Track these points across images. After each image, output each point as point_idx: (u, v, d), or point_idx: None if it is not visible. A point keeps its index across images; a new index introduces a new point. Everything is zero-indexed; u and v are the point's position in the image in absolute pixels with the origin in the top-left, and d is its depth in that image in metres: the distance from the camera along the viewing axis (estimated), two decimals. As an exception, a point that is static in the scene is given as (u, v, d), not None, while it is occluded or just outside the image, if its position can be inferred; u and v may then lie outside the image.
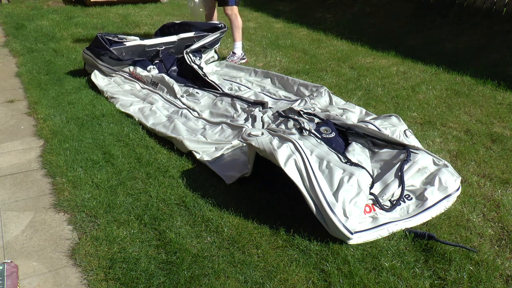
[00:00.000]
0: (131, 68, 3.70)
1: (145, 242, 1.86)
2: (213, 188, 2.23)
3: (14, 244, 1.87)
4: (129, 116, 3.03)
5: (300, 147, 2.01)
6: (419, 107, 3.27)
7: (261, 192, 2.19)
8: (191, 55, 3.85)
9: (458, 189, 2.17)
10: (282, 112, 2.87)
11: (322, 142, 2.26)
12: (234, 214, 2.03)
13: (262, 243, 1.85)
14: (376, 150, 2.43)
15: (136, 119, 2.96)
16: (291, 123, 2.67)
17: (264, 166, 2.19)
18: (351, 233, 1.82)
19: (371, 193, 2.04)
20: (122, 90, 3.45)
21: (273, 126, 2.69)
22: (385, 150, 2.39)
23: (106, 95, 3.35)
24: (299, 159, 1.95)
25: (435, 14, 5.64)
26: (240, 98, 3.18)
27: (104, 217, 2.00)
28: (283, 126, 2.67)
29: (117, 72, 3.71)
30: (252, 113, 2.91)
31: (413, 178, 2.17)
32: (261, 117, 2.86)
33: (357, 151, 2.31)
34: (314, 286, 1.65)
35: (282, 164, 1.92)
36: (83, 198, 2.13)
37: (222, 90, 3.39)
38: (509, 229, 1.97)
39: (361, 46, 4.92)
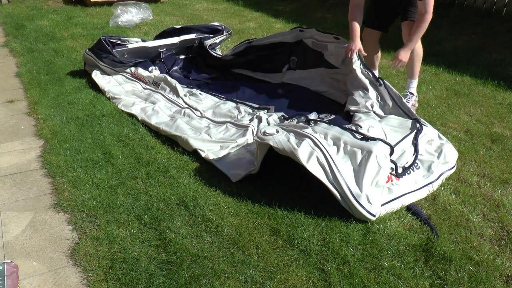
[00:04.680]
0: (133, 69, 3.71)
1: (145, 242, 1.86)
2: (213, 188, 2.23)
3: (14, 244, 1.87)
4: (131, 115, 3.03)
5: (319, 141, 2.05)
6: (419, 107, 3.27)
7: (261, 192, 2.19)
8: (209, 50, 3.99)
9: (454, 166, 2.33)
10: (286, 115, 2.91)
11: (332, 125, 2.33)
12: (234, 214, 2.03)
13: (262, 243, 1.85)
14: (382, 114, 2.54)
15: (140, 119, 2.96)
16: (295, 121, 2.70)
17: (269, 164, 2.22)
18: (374, 216, 1.94)
19: (391, 161, 2.10)
20: (124, 90, 3.45)
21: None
22: (393, 116, 2.49)
23: (108, 95, 3.35)
24: (320, 155, 1.99)
25: (435, 14, 5.62)
26: (245, 104, 3.18)
27: (104, 217, 2.00)
28: None
29: (118, 72, 3.72)
30: (258, 114, 2.91)
31: (422, 148, 2.27)
32: (267, 118, 2.87)
33: (363, 118, 2.41)
34: (314, 286, 1.65)
35: (304, 163, 1.97)
36: (83, 198, 2.13)
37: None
38: (509, 229, 1.97)
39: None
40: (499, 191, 2.23)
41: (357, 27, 2.95)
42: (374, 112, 2.57)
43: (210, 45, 3.99)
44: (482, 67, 4.14)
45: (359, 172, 1.99)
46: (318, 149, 2.01)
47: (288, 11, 6.93)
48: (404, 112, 2.55)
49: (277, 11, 6.87)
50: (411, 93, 3.30)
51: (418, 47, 3.17)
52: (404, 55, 2.94)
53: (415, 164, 2.19)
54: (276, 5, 7.31)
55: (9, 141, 2.72)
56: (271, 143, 2.07)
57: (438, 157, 2.26)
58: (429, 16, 2.82)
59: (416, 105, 3.28)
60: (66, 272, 1.72)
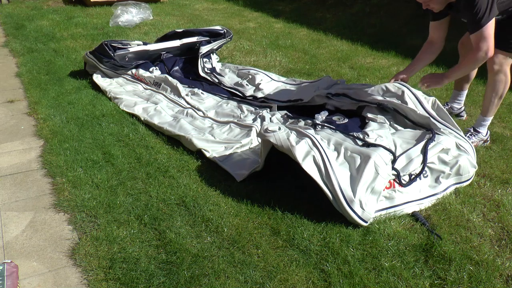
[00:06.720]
0: (134, 70, 3.72)
1: (145, 242, 1.86)
2: (213, 188, 2.23)
3: (14, 244, 1.87)
4: (132, 115, 3.03)
5: (318, 142, 2.04)
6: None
7: (261, 192, 2.19)
8: (204, 64, 3.84)
9: (469, 179, 2.26)
10: (290, 114, 2.89)
11: (337, 131, 2.32)
12: (234, 214, 2.03)
13: (262, 243, 1.85)
14: (399, 128, 2.45)
15: (142, 119, 2.96)
16: (302, 123, 2.68)
17: (273, 163, 2.23)
18: (366, 222, 1.92)
19: (394, 168, 2.06)
20: (125, 91, 3.46)
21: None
22: (408, 130, 2.42)
23: (109, 95, 3.35)
24: (317, 155, 1.99)
25: (435, 14, 5.63)
26: (246, 102, 3.18)
27: (104, 217, 2.00)
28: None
29: (120, 75, 3.73)
30: (261, 114, 2.91)
31: (435, 156, 2.21)
32: (270, 118, 2.86)
33: (375, 127, 2.37)
34: (314, 286, 1.65)
35: (300, 160, 1.96)
36: (83, 198, 2.13)
37: (244, 95, 3.31)
38: (509, 229, 1.97)
39: (361, 46, 4.92)
40: (499, 191, 2.23)
41: (417, 61, 2.59)
42: (391, 125, 2.46)
43: (207, 51, 3.90)
44: (482, 67, 4.13)
45: (355, 177, 1.97)
46: (316, 149, 2.01)
47: (288, 11, 6.93)
48: (424, 108, 2.37)
49: (277, 11, 6.88)
50: (476, 130, 2.68)
51: (500, 81, 2.50)
52: (431, 79, 2.46)
53: (423, 172, 2.14)
54: (276, 5, 7.31)
55: (9, 141, 2.73)
56: (272, 140, 2.07)
57: (451, 168, 2.17)
58: (481, 55, 2.21)
59: (485, 144, 2.69)
60: (66, 272, 1.72)
